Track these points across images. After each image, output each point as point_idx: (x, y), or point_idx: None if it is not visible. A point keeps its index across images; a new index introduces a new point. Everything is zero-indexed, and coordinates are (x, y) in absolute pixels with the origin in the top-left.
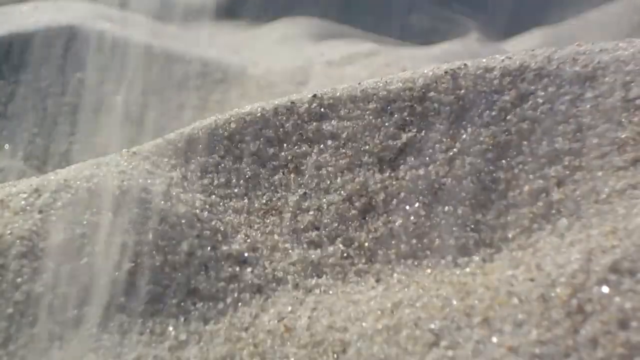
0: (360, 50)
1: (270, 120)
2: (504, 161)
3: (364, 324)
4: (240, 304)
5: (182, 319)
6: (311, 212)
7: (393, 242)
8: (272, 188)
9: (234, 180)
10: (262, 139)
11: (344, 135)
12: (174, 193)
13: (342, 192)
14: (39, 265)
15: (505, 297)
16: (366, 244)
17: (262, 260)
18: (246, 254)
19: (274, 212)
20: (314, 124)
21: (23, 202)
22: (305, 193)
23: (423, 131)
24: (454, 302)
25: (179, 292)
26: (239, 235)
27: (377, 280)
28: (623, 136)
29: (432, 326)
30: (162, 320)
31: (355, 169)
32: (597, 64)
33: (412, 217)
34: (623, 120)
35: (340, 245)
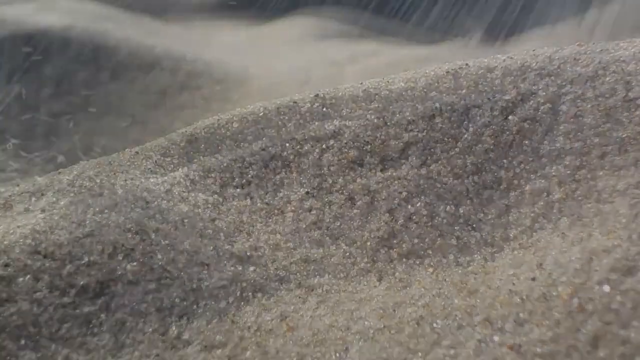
0: (362, 50)
1: (273, 120)
2: (505, 161)
3: (366, 323)
4: (242, 303)
5: (184, 318)
6: (313, 212)
7: (395, 241)
8: (275, 187)
9: (236, 180)
10: (264, 139)
11: (346, 135)
12: (177, 192)
13: (344, 191)
14: (41, 264)
15: (506, 296)
16: (368, 243)
17: (265, 260)
18: (249, 253)
19: (276, 211)
20: (316, 123)
21: (26, 202)
22: (307, 192)
23: (425, 131)
24: (456, 301)
25: (182, 291)
26: (241, 235)
27: (379, 279)
28: (624, 136)
29: (434, 325)
30: (164, 319)
31: (357, 169)
32: (598, 64)
33: (414, 217)
34: (624, 119)
35: (343, 245)
